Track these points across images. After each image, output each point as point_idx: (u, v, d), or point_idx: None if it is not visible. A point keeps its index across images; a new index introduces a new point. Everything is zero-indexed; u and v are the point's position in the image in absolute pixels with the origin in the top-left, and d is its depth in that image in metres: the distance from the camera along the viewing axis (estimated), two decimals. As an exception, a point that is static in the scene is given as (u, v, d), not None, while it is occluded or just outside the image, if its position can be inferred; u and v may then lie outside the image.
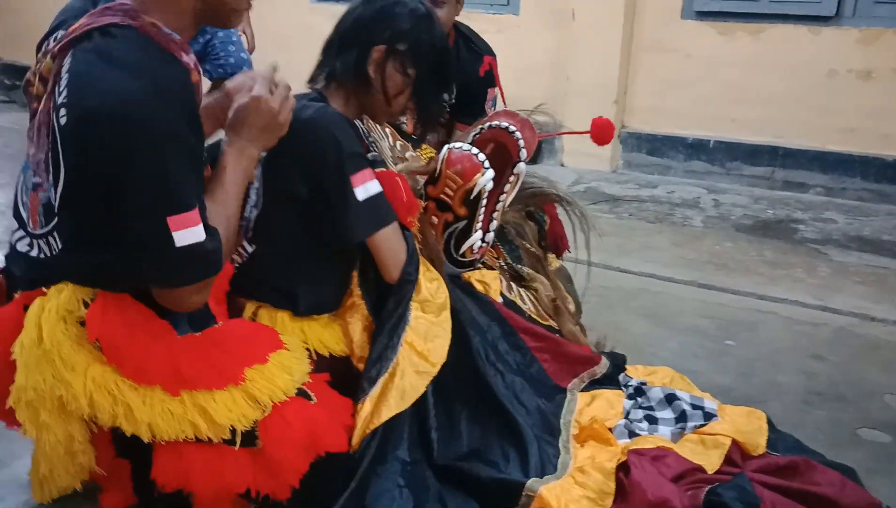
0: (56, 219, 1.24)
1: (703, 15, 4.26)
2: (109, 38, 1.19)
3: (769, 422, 1.74)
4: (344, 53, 1.59)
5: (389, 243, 1.56)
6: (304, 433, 1.32)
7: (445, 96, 2.31)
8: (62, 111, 1.18)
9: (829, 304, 2.71)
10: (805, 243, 3.40)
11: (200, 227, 1.19)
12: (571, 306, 2.09)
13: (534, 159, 4.95)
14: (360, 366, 1.56)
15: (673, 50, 4.37)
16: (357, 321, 1.59)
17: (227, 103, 1.39)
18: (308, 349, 1.51)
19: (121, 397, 1.21)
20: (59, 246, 1.25)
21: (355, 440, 1.44)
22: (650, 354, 2.27)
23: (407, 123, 2.19)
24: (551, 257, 2.19)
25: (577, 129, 2.06)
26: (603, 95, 4.39)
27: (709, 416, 1.72)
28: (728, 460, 1.59)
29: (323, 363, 1.51)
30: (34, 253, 1.28)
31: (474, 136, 1.81)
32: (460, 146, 1.72)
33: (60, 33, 1.26)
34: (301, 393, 1.34)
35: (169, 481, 1.28)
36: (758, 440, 1.66)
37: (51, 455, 1.27)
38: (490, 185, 1.70)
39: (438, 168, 1.71)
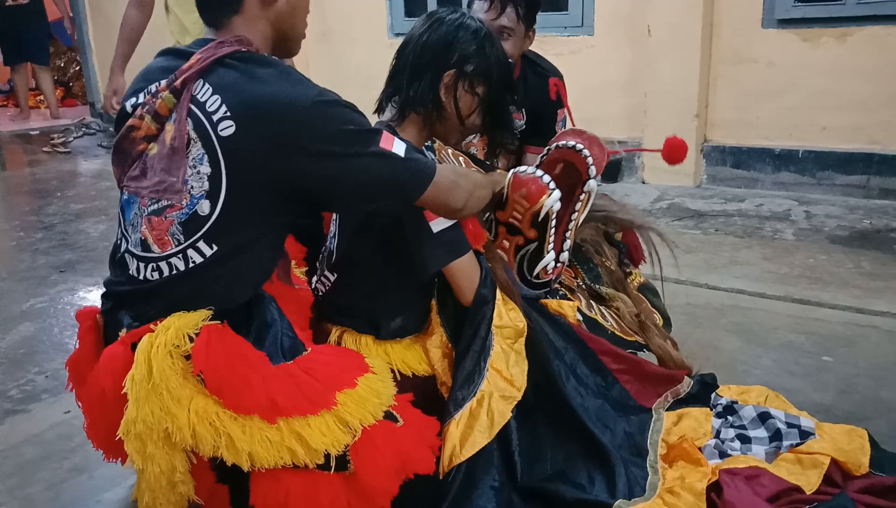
0: (208, 226, 1.32)
1: (785, 23, 4.14)
2: (246, 60, 1.34)
3: (872, 440, 1.66)
4: (416, 82, 1.62)
5: (464, 270, 1.59)
6: (394, 456, 1.34)
7: (517, 122, 2.32)
8: (224, 124, 1.30)
9: (935, 316, 2.57)
10: (906, 253, 3.24)
11: (396, 139, 1.38)
12: (659, 320, 2.05)
13: (613, 178, 4.90)
14: (443, 390, 1.58)
15: (755, 60, 4.26)
16: (437, 349, 1.62)
17: None
18: (392, 370, 1.54)
19: (222, 427, 1.26)
20: (210, 252, 1.33)
21: (444, 466, 1.45)
22: (742, 372, 2.21)
23: (478, 149, 2.21)
24: (634, 271, 2.16)
25: (654, 146, 2.03)
26: (683, 110, 4.30)
27: (805, 434, 1.65)
28: (828, 480, 1.53)
29: (406, 383, 1.54)
30: (162, 274, 1.35)
31: (542, 157, 1.82)
32: (525, 169, 1.73)
33: (154, 87, 1.36)
34: (388, 416, 1.37)
35: (268, 507, 1.32)
36: (860, 459, 1.58)
37: (154, 486, 1.32)
38: (557, 206, 1.69)
39: (505, 192, 1.72)
